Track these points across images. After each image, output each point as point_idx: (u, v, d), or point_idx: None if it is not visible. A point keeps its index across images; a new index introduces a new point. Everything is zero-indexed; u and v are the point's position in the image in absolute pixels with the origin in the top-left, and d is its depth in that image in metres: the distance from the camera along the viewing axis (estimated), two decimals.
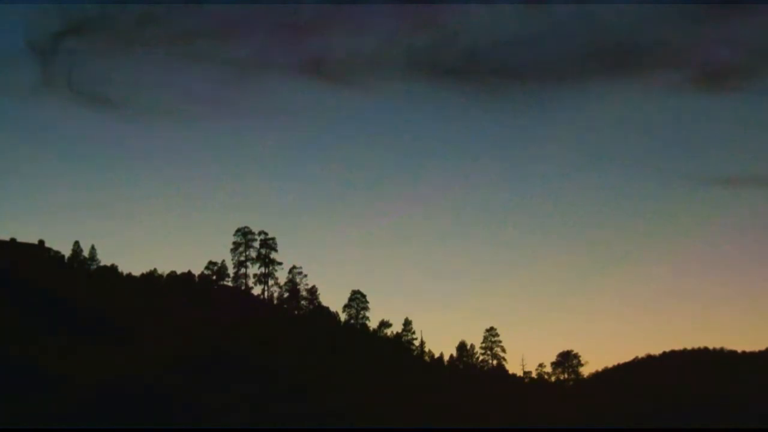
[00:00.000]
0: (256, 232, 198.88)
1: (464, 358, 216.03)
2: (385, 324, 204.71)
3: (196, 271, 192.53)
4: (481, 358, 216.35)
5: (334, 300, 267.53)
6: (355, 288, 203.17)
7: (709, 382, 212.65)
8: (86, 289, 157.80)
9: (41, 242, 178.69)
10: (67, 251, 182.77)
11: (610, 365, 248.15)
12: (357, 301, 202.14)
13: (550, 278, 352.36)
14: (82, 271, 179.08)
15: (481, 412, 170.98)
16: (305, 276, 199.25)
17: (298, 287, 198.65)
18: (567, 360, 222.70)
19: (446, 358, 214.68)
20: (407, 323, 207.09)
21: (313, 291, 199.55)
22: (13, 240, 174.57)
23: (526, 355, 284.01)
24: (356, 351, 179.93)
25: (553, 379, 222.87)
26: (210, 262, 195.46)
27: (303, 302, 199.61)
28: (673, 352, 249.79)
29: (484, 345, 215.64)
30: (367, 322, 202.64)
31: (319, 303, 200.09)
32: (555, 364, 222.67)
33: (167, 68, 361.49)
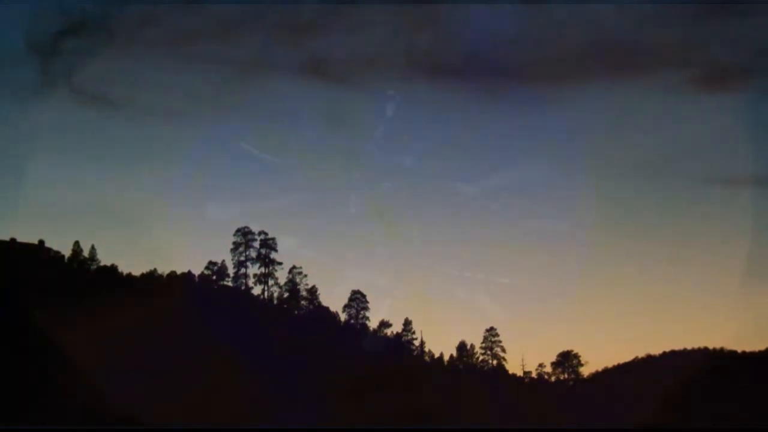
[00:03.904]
0: (256, 232, 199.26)
1: (464, 358, 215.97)
2: (385, 324, 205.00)
3: (196, 271, 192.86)
4: (481, 358, 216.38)
5: (334, 300, 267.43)
6: (355, 288, 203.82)
7: (709, 382, 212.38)
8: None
9: (41, 242, 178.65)
10: (67, 251, 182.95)
11: (610, 365, 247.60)
12: (357, 301, 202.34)
13: (550, 278, 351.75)
14: (82, 271, 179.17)
15: (481, 412, 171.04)
16: (305, 276, 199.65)
17: (298, 287, 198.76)
18: (567, 360, 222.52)
19: (446, 358, 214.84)
20: (407, 323, 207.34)
21: (313, 291, 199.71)
22: (13, 240, 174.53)
23: (526, 355, 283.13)
24: (356, 351, 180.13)
25: (553, 379, 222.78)
26: (210, 262, 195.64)
27: (303, 302, 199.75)
28: (673, 352, 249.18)
29: (484, 345, 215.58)
30: (367, 322, 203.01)
31: (319, 303, 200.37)
32: (555, 364, 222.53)
33: (167, 68, 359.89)
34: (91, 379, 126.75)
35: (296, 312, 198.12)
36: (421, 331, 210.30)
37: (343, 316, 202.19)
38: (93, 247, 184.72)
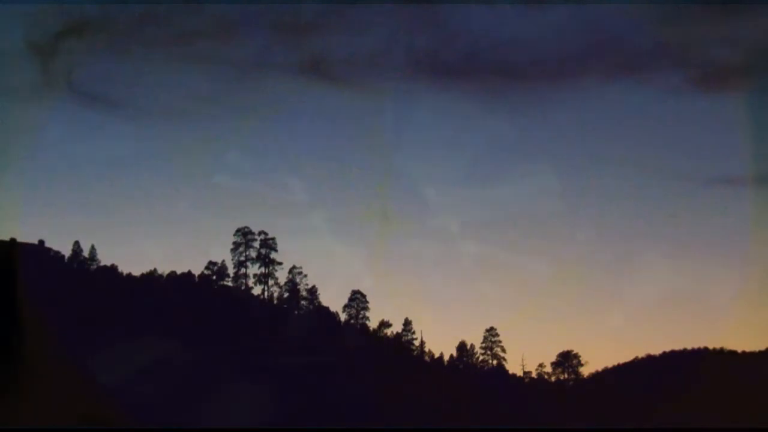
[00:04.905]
0: (256, 232, 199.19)
1: (464, 358, 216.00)
2: (385, 324, 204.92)
3: (196, 271, 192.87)
4: (481, 358, 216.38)
5: (334, 300, 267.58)
6: (355, 288, 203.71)
7: (709, 382, 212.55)
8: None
9: (41, 242, 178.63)
10: (67, 251, 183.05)
11: (610, 365, 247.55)
12: (357, 301, 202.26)
13: (550, 278, 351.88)
14: (82, 271, 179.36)
15: (481, 412, 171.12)
16: (305, 276, 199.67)
17: (298, 287, 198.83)
18: (567, 360, 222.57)
19: (446, 358, 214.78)
20: (407, 323, 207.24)
21: (313, 291, 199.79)
22: (13, 240, 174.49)
23: (526, 355, 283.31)
24: (356, 351, 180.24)
25: (553, 379, 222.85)
26: (210, 262, 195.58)
27: (303, 302, 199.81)
28: (673, 352, 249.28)
29: (484, 345, 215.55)
30: (367, 322, 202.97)
31: (319, 303, 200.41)
32: (555, 364, 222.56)
33: (167, 68, 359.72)
34: (90, 378, 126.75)
35: (296, 312, 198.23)
36: (421, 331, 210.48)
37: (343, 316, 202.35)
38: (93, 247, 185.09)
